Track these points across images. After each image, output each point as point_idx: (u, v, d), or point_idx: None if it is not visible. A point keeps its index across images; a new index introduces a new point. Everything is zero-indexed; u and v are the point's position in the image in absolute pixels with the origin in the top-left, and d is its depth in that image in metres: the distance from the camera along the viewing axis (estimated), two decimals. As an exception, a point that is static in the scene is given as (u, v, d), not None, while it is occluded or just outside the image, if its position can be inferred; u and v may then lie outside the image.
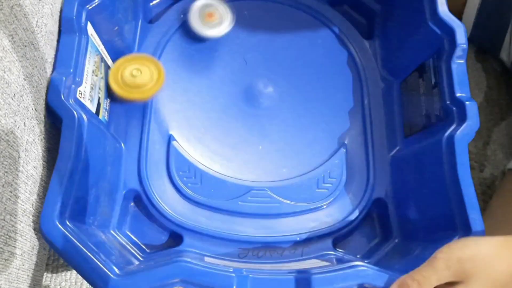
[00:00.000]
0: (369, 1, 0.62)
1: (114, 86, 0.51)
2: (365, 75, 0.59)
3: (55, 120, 0.42)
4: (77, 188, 0.40)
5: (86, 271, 0.37)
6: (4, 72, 0.34)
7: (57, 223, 0.37)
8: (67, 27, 0.45)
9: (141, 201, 0.51)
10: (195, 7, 0.57)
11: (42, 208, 0.38)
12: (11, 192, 0.35)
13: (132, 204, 0.52)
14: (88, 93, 0.46)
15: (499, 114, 0.68)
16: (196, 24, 0.56)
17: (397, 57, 0.57)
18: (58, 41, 0.45)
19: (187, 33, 0.58)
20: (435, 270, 0.32)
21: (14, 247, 0.37)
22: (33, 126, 0.39)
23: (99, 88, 0.49)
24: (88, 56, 0.46)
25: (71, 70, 0.43)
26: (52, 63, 0.44)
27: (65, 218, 0.39)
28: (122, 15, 0.52)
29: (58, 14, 0.45)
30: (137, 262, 0.45)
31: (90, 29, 0.47)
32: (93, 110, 0.47)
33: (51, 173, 0.43)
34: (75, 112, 0.41)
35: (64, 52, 0.44)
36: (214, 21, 0.57)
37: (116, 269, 0.37)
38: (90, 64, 0.46)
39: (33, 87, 0.39)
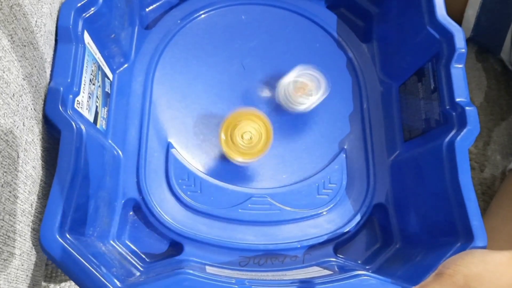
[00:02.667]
0: (366, 4, 0.62)
1: (228, 151, 0.51)
2: (363, 78, 0.58)
3: (54, 131, 0.42)
4: (77, 199, 0.40)
5: (87, 285, 0.37)
6: (3, 72, 0.34)
7: (57, 236, 0.37)
8: (64, 37, 0.44)
9: (141, 210, 0.50)
10: (283, 84, 0.53)
11: (42, 222, 0.38)
12: (10, 192, 0.35)
13: (131, 213, 0.51)
14: (85, 102, 0.46)
15: (499, 114, 0.68)
16: (289, 102, 0.53)
17: (396, 61, 0.57)
18: (55, 50, 0.44)
19: (184, 39, 0.58)
20: (441, 287, 0.32)
21: (13, 247, 0.36)
22: (32, 126, 0.39)
23: (97, 97, 0.49)
24: (85, 65, 0.46)
25: (69, 80, 0.43)
26: (51, 63, 0.44)
27: (65, 231, 0.39)
28: (119, 22, 0.52)
29: (57, 13, 0.44)
30: (137, 273, 0.45)
31: (86, 37, 0.47)
32: (91, 119, 0.47)
33: (50, 173, 0.43)
34: (73, 123, 0.41)
35: (61, 62, 0.44)
36: (307, 92, 0.53)
37: (117, 282, 0.37)
38: (87, 73, 0.46)
39: (32, 87, 0.39)
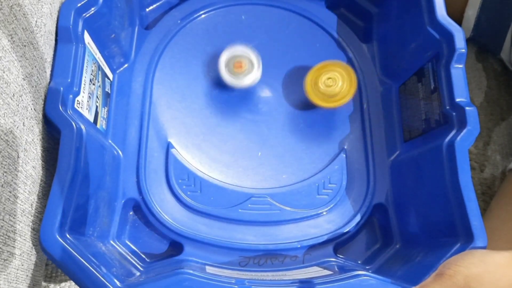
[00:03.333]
0: (366, 4, 0.62)
1: (313, 97, 0.54)
2: (363, 79, 0.58)
3: (54, 131, 0.42)
4: (77, 199, 0.40)
5: (87, 285, 0.37)
6: (3, 72, 0.34)
7: (57, 236, 0.37)
8: (64, 36, 0.44)
9: (141, 210, 0.50)
10: (222, 59, 0.55)
11: (42, 222, 0.38)
12: (10, 192, 0.35)
13: (131, 213, 0.51)
14: (85, 102, 0.46)
15: (499, 114, 0.68)
16: (226, 76, 0.55)
17: (396, 61, 0.57)
18: (55, 50, 0.45)
19: (184, 39, 0.58)
20: (441, 287, 0.32)
21: (13, 247, 0.36)
22: (32, 126, 0.39)
23: (97, 97, 0.49)
24: (85, 65, 0.46)
25: (69, 80, 0.43)
26: (51, 63, 0.44)
27: (65, 231, 0.39)
28: (119, 22, 0.52)
29: (57, 13, 0.45)
30: (137, 273, 0.45)
31: (86, 37, 0.47)
32: (91, 119, 0.47)
33: (50, 173, 0.43)
34: (73, 123, 0.41)
35: (61, 62, 0.44)
36: (243, 71, 0.55)
37: (117, 282, 0.37)
38: (87, 73, 0.46)
39: (32, 87, 0.39)
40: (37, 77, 0.40)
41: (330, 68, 0.54)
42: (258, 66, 0.55)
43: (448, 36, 0.49)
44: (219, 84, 0.57)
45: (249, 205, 0.51)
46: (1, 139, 0.34)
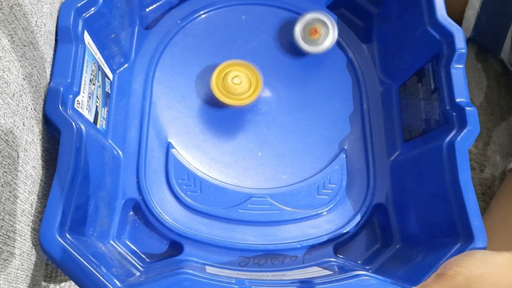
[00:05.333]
0: (366, 4, 0.62)
1: (216, 90, 0.54)
2: (363, 79, 0.58)
3: (54, 131, 0.42)
4: (77, 200, 0.40)
5: (87, 285, 0.37)
6: (3, 72, 0.34)
7: (57, 236, 0.37)
8: (64, 37, 0.44)
9: (141, 210, 0.50)
10: (297, 30, 0.57)
11: (42, 222, 0.38)
12: (10, 192, 0.35)
13: (131, 213, 0.51)
14: (85, 102, 0.46)
15: (499, 114, 0.68)
16: (300, 41, 0.57)
17: (396, 61, 0.57)
18: (55, 50, 0.45)
19: (184, 39, 0.58)
20: None
21: (13, 247, 0.37)
22: (32, 126, 0.39)
23: (97, 97, 0.49)
24: (85, 65, 0.46)
25: (69, 80, 0.43)
26: (51, 63, 0.44)
27: (65, 231, 0.39)
28: (119, 22, 0.52)
29: (57, 13, 0.45)
30: (137, 273, 0.45)
31: (86, 37, 0.47)
32: (91, 119, 0.47)
33: (50, 173, 0.43)
34: (73, 123, 0.41)
35: (61, 62, 0.44)
36: (318, 37, 0.56)
37: (117, 282, 0.37)
38: (87, 73, 0.46)
39: (32, 87, 0.39)
40: (37, 77, 0.40)
41: (236, 68, 0.55)
42: (333, 27, 0.57)
43: (448, 36, 0.49)
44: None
45: (249, 205, 0.51)
46: (1, 139, 0.34)
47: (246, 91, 0.54)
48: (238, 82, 0.54)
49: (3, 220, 0.34)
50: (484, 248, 0.41)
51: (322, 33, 0.56)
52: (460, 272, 0.32)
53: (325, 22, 0.56)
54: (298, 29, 0.57)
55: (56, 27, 0.44)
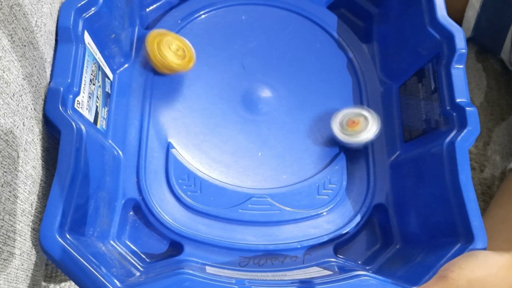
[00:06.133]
0: (366, 4, 0.62)
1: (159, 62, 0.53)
2: (364, 79, 0.58)
3: (54, 131, 0.42)
4: (77, 200, 0.40)
5: (87, 285, 0.37)
6: (3, 72, 0.34)
7: (57, 237, 0.37)
8: (64, 37, 0.44)
9: (141, 210, 0.50)
10: (337, 118, 0.54)
11: (42, 222, 0.38)
12: (10, 192, 0.35)
13: (131, 213, 0.51)
14: (86, 102, 0.46)
15: (499, 114, 0.68)
16: (338, 133, 0.53)
17: (396, 61, 0.57)
18: (55, 50, 0.44)
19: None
20: None
21: (13, 247, 0.36)
22: (32, 126, 0.39)
23: (97, 97, 0.49)
24: (85, 65, 0.46)
25: (69, 80, 0.43)
26: (51, 63, 0.44)
27: (65, 231, 0.39)
28: (119, 22, 0.52)
29: (57, 13, 0.44)
30: (137, 273, 0.45)
31: (87, 37, 0.47)
32: (91, 119, 0.47)
33: (50, 173, 0.43)
34: (73, 123, 0.41)
35: (61, 62, 0.44)
36: (358, 128, 0.53)
37: (117, 282, 0.37)
38: (87, 73, 0.46)
39: (32, 86, 0.39)
40: (37, 77, 0.40)
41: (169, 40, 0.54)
42: (373, 122, 0.52)
43: (449, 37, 0.49)
44: (219, 84, 0.57)
45: (249, 205, 0.51)
46: (1, 139, 0.34)
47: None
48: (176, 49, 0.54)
49: (3, 220, 0.34)
50: (484, 249, 0.41)
51: (360, 125, 0.52)
52: (462, 274, 0.32)
53: (366, 116, 0.53)
54: (337, 122, 0.53)
55: (56, 27, 0.44)
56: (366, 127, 0.52)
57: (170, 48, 0.53)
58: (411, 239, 0.50)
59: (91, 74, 0.47)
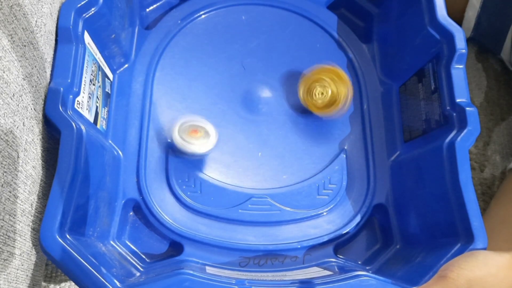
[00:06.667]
0: (366, 4, 0.62)
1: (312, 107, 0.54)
2: (364, 79, 0.58)
3: (54, 131, 0.42)
4: (77, 200, 0.40)
5: (87, 285, 0.37)
6: (3, 72, 0.34)
7: (57, 237, 0.37)
8: (64, 37, 0.44)
9: (141, 210, 0.50)
10: (177, 126, 0.51)
11: (42, 222, 0.38)
12: (10, 192, 0.35)
13: (131, 213, 0.51)
14: (86, 102, 0.46)
15: (499, 114, 0.68)
16: (179, 141, 0.50)
17: (396, 62, 0.57)
18: (55, 50, 0.44)
19: (184, 39, 0.58)
20: None
21: (13, 247, 0.36)
22: (32, 126, 0.39)
23: (97, 97, 0.49)
24: (85, 65, 0.46)
25: (69, 81, 0.43)
26: (51, 63, 0.44)
27: (65, 231, 0.39)
28: (119, 23, 0.52)
29: (57, 13, 0.44)
30: (137, 273, 0.45)
31: (87, 37, 0.47)
32: (91, 119, 0.47)
33: (50, 173, 0.43)
34: (73, 123, 0.41)
35: (61, 62, 0.44)
36: (199, 136, 0.51)
37: (117, 282, 0.37)
38: (87, 74, 0.46)
39: (32, 87, 0.39)
40: (37, 77, 0.40)
41: (319, 77, 0.53)
42: (214, 135, 0.51)
43: (449, 37, 0.49)
44: (219, 84, 0.57)
45: (249, 206, 0.51)
46: (1, 139, 0.34)
47: (334, 98, 0.53)
48: (324, 92, 0.53)
49: (3, 220, 0.34)
50: (484, 249, 0.41)
51: (200, 136, 0.51)
52: (462, 274, 0.32)
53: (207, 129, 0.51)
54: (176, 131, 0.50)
55: (56, 27, 0.44)
56: (206, 139, 0.51)
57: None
58: (411, 239, 0.50)
59: (91, 74, 0.47)
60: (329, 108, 0.53)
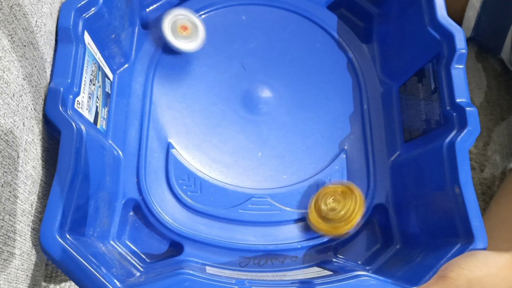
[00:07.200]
0: (366, 4, 0.62)
1: (322, 226, 0.49)
2: (364, 79, 0.58)
3: (54, 131, 0.42)
4: (77, 200, 0.40)
5: (87, 285, 0.37)
6: (3, 72, 0.34)
7: (57, 237, 0.37)
8: (64, 37, 0.44)
9: (141, 210, 0.50)
10: (167, 19, 0.55)
11: (42, 222, 0.38)
12: (10, 192, 0.35)
13: (131, 213, 0.51)
14: (86, 102, 0.46)
15: (499, 114, 0.68)
16: (170, 36, 0.55)
17: (396, 62, 0.57)
18: (55, 50, 0.44)
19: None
20: None
21: (13, 247, 0.36)
22: (32, 126, 0.39)
23: (97, 97, 0.49)
24: (85, 65, 0.46)
25: (69, 81, 0.43)
26: (51, 63, 0.44)
27: (65, 231, 0.38)
28: (119, 23, 0.52)
29: (57, 13, 0.44)
30: (137, 273, 0.45)
31: (87, 37, 0.47)
32: (91, 119, 0.47)
33: (50, 173, 0.43)
34: (73, 123, 0.41)
35: (61, 62, 0.44)
36: (188, 34, 0.55)
37: (117, 282, 0.37)
38: (87, 74, 0.46)
39: (32, 87, 0.39)
40: (37, 77, 0.40)
41: (329, 192, 0.50)
42: (202, 28, 0.55)
43: (449, 37, 0.49)
44: (219, 84, 0.57)
45: (249, 206, 0.51)
46: (1, 139, 0.34)
47: (346, 213, 0.48)
48: (336, 206, 0.49)
49: (3, 220, 0.34)
50: (485, 249, 0.41)
51: (191, 31, 0.55)
52: (462, 274, 0.32)
53: (194, 22, 0.55)
54: (166, 24, 0.55)
55: (56, 27, 0.44)
56: (196, 34, 0.55)
57: None
58: (411, 239, 0.50)
59: (91, 74, 0.47)
60: (339, 225, 0.48)
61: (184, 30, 0.54)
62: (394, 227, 0.52)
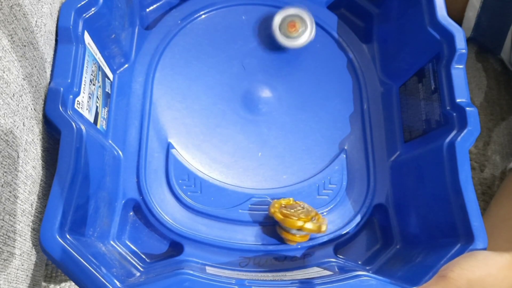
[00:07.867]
0: (366, 4, 0.62)
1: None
2: (364, 79, 0.58)
3: (54, 131, 0.42)
4: (77, 200, 0.40)
5: (87, 285, 0.37)
6: (3, 72, 0.34)
7: (57, 237, 0.37)
8: (64, 37, 0.44)
9: (141, 210, 0.50)
10: (277, 19, 0.57)
11: (42, 222, 0.38)
12: (10, 192, 0.35)
13: (131, 213, 0.51)
14: (86, 102, 0.46)
15: (499, 114, 0.68)
16: (279, 36, 0.57)
17: (396, 62, 0.57)
18: (55, 50, 0.44)
19: (184, 39, 0.58)
20: None
21: (13, 247, 0.36)
22: (32, 126, 0.39)
23: (97, 97, 0.49)
24: (85, 65, 0.46)
25: (69, 81, 0.43)
26: (51, 63, 0.44)
27: (65, 231, 0.38)
28: (119, 23, 0.52)
29: (57, 13, 0.44)
30: (137, 273, 0.45)
31: (87, 38, 0.47)
32: (91, 119, 0.47)
33: (50, 173, 0.43)
34: (73, 123, 0.41)
35: (61, 62, 0.44)
36: (296, 32, 0.56)
37: (117, 282, 0.37)
38: (87, 74, 0.46)
39: (32, 87, 0.39)
40: (37, 77, 0.40)
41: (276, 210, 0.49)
42: (312, 25, 0.57)
43: (449, 37, 0.49)
44: (219, 84, 0.57)
45: (250, 206, 0.51)
46: (1, 139, 0.34)
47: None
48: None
49: (3, 220, 0.34)
50: (485, 249, 0.41)
51: (299, 30, 0.56)
52: (462, 274, 0.32)
53: (305, 19, 0.57)
54: (276, 21, 0.57)
55: (56, 27, 0.44)
56: (305, 29, 0.56)
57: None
58: (411, 239, 0.50)
59: (91, 75, 0.47)
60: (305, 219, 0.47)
61: (292, 28, 0.56)
62: (394, 227, 0.52)
